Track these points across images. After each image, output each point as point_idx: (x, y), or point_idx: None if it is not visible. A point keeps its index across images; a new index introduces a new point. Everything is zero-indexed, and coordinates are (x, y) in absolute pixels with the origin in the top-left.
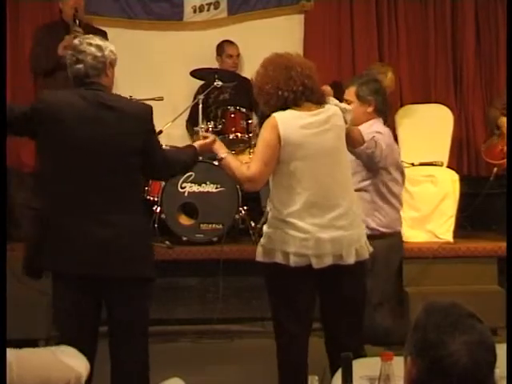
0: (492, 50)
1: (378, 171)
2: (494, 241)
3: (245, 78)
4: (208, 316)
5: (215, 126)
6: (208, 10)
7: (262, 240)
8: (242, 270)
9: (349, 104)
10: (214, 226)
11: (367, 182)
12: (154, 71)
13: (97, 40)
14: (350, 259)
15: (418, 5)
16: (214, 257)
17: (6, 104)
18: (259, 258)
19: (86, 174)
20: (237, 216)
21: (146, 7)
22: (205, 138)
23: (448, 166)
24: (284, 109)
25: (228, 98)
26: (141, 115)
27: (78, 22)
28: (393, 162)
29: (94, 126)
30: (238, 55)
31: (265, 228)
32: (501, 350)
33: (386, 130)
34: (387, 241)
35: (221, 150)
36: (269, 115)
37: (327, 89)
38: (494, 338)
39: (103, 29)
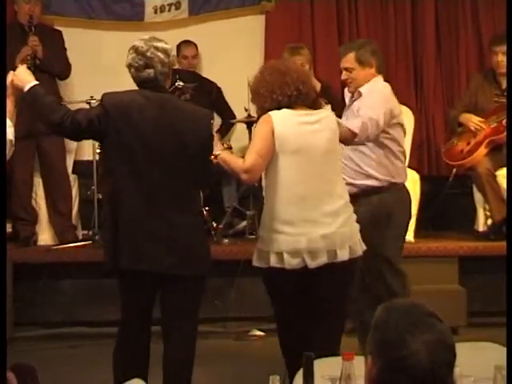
0: (452, 52)
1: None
2: (455, 240)
3: (205, 79)
4: None
5: None
6: (169, 10)
7: (258, 243)
8: None
9: (350, 72)
10: None
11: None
12: (115, 71)
13: (160, 43)
14: (344, 256)
15: (379, 6)
16: None
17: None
18: (255, 262)
19: (150, 174)
20: None
21: (107, 7)
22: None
23: (409, 166)
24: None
25: (189, 99)
26: (203, 119)
27: (33, 28)
28: (391, 122)
29: (159, 127)
30: (195, 56)
31: (259, 231)
32: (461, 349)
33: (387, 87)
34: (399, 193)
35: (216, 146)
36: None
37: (323, 102)
38: (454, 337)
39: (62, 29)
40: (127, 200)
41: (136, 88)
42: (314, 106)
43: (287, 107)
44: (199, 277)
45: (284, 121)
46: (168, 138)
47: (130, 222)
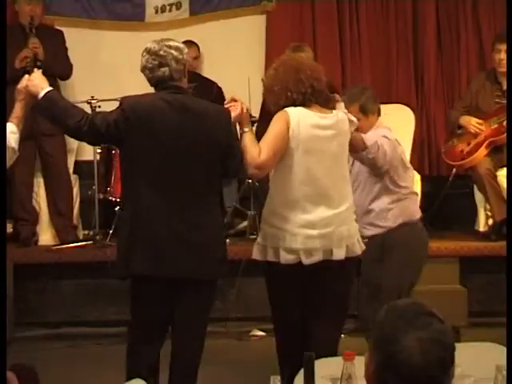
0: (453, 51)
1: (383, 175)
2: (456, 240)
3: (206, 79)
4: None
5: None
6: (170, 10)
7: (258, 237)
8: None
9: None
10: None
11: (376, 188)
12: (116, 72)
13: (172, 42)
14: (340, 254)
15: (380, 6)
16: None
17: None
18: (255, 255)
19: (173, 178)
20: None
21: (108, 7)
22: (234, 100)
23: None
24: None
25: None
26: (223, 118)
27: (33, 30)
28: (398, 163)
29: (180, 130)
30: (196, 57)
31: (261, 225)
32: (462, 349)
33: (388, 132)
34: (401, 231)
35: (245, 122)
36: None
37: (338, 97)
38: (454, 337)
39: (63, 29)
40: (148, 205)
41: (151, 91)
42: (327, 103)
43: (301, 105)
44: (217, 279)
45: (299, 120)
46: (191, 141)
47: (150, 227)
